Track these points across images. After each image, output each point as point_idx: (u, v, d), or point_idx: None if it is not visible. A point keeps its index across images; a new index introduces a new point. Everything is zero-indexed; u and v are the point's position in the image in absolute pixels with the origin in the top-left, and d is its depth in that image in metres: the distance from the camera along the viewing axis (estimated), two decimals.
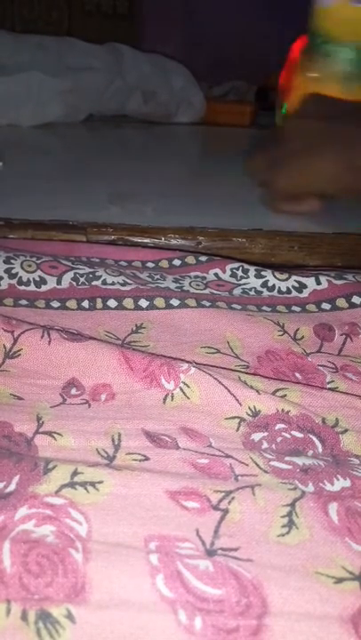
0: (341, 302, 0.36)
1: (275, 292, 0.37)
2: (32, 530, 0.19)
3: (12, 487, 0.20)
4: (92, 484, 0.21)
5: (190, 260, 0.40)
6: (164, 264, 0.40)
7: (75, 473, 0.21)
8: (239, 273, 0.38)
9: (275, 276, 0.38)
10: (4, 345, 0.29)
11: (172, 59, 0.95)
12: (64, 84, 0.83)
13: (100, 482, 0.21)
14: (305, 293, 0.37)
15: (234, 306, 0.35)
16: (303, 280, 0.37)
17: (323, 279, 0.37)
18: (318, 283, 0.37)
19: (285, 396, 0.28)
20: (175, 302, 0.34)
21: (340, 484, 0.22)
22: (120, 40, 1.06)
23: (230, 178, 0.64)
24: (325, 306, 0.36)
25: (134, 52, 0.92)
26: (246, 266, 0.39)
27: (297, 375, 0.30)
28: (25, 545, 0.18)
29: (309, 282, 0.37)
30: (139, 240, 0.44)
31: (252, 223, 0.47)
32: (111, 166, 0.66)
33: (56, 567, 0.18)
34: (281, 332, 0.33)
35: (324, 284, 0.37)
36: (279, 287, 0.37)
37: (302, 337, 0.33)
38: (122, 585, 0.17)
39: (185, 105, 0.93)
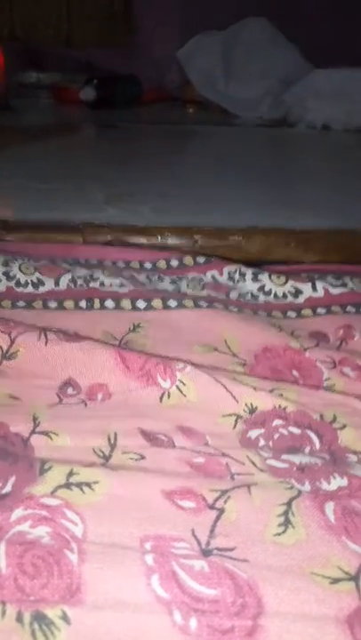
0: (336, 309, 0.36)
1: (270, 297, 0.37)
2: (28, 531, 0.19)
3: (7, 488, 0.20)
4: (88, 484, 0.21)
5: (188, 260, 0.40)
6: (162, 264, 0.40)
7: (70, 473, 0.21)
8: (236, 276, 0.38)
9: (271, 280, 0.38)
10: (0, 346, 0.29)
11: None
12: None
13: (96, 482, 0.21)
14: (301, 299, 0.37)
15: (231, 308, 0.35)
16: (300, 286, 0.37)
17: (319, 286, 0.37)
18: (315, 289, 0.37)
19: (282, 395, 0.28)
20: (173, 303, 0.35)
21: (337, 482, 0.22)
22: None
23: (228, 176, 0.64)
24: (321, 310, 0.36)
25: None
26: (243, 269, 0.38)
27: (294, 373, 0.30)
28: (20, 546, 0.18)
29: (306, 288, 0.37)
30: (135, 240, 0.44)
31: (248, 221, 0.47)
32: (108, 168, 0.66)
33: (51, 568, 0.18)
34: (278, 330, 0.33)
35: (320, 292, 0.37)
36: (275, 292, 0.37)
37: (299, 336, 0.33)
38: (117, 586, 0.17)
39: None
